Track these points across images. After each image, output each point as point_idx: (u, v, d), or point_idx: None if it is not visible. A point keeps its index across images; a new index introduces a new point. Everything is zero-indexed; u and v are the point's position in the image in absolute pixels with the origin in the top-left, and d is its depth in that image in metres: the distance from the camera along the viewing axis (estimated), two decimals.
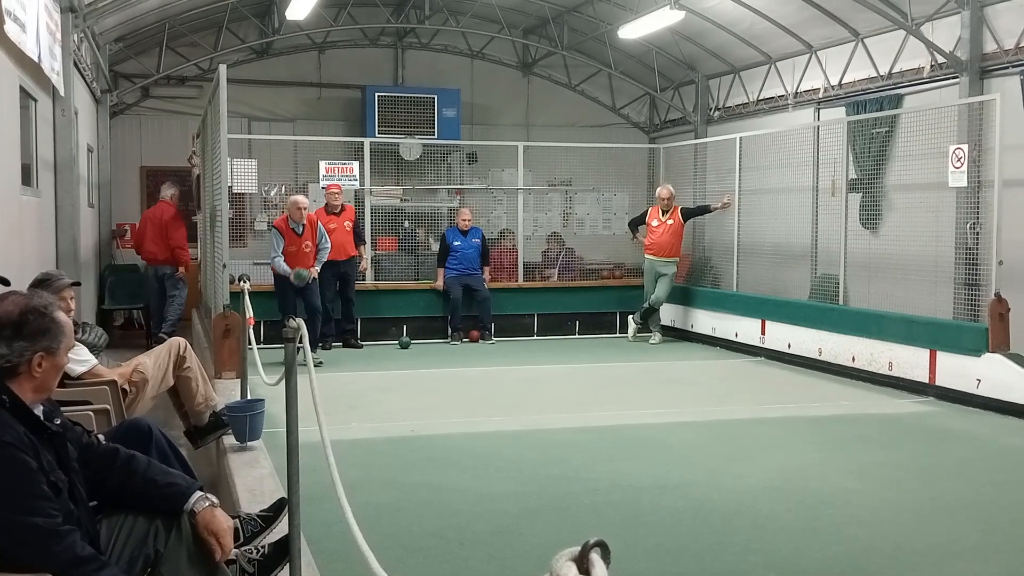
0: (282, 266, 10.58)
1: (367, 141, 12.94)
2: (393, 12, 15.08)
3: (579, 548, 1.78)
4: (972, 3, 10.24)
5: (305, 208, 10.70)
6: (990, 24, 10.23)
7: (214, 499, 3.21)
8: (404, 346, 12.03)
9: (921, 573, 4.62)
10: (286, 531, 3.73)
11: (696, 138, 14.70)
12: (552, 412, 8.21)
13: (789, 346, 10.87)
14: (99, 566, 2.82)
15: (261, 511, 4.19)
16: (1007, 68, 10.00)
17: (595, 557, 1.78)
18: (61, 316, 3.01)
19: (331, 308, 11.52)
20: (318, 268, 10.91)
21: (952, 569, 4.65)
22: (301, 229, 10.70)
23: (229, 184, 9.78)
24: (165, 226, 12.52)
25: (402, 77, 15.92)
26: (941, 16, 10.70)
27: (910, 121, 10.68)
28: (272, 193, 14.53)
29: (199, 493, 3.19)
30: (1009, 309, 8.44)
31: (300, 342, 3.63)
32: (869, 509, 5.57)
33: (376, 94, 14.67)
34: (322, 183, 12.45)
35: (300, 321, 3.74)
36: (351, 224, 11.80)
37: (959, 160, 8.95)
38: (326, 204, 11.84)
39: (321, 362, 10.09)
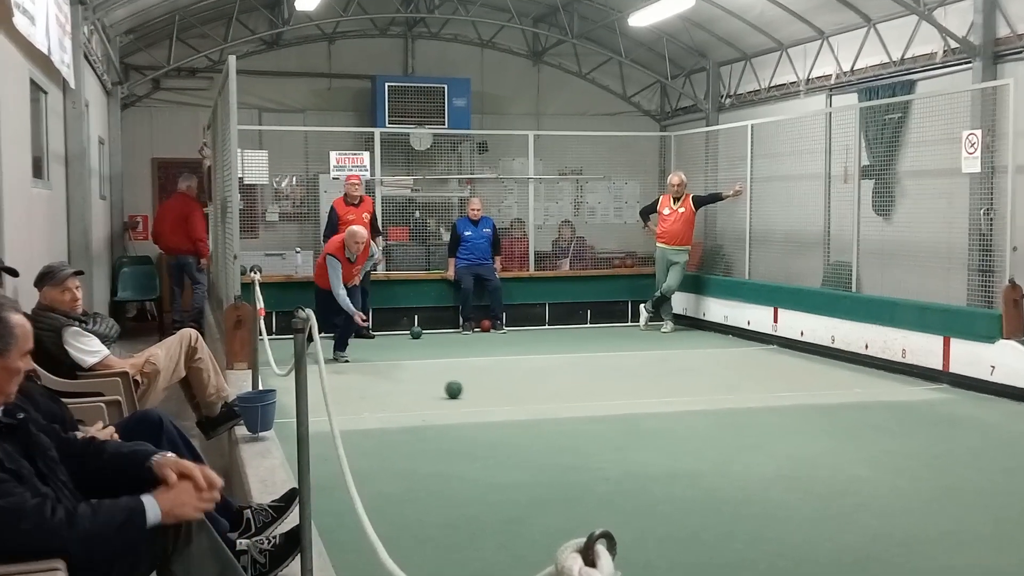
0: (347, 303, 10.07)
1: (377, 131, 12.93)
2: (403, 2, 15.04)
3: (584, 540, 1.77)
4: None
5: (362, 243, 10.21)
6: (1003, 8, 10.14)
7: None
8: (416, 336, 12.05)
9: (932, 562, 4.60)
10: (297, 521, 3.74)
11: (707, 125, 14.64)
12: (563, 401, 8.21)
13: (802, 334, 10.83)
14: (78, 519, 2.75)
15: (272, 502, 4.22)
16: (1021, 53, 9.91)
17: (600, 548, 1.77)
18: (13, 318, 2.93)
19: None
20: (360, 277, 10.71)
21: (964, 558, 4.63)
22: (354, 258, 10.31)
23: (240, 175, 9.79)
24: (186, 217, 12.80)
25: (412, 67, 15.90)
26: (954, 0, 10.61)
27: (923, 107, 10.61)
28: (283, 184, 14.56)
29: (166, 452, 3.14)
30: (1023, 295, 8.39)
31: (306, 333, 3.63)
32: (880, 498, 5.54)
33: (386, 84, 14.65)
34: (333, 174, 12.45)
35: (309, 312, 3.73)
36: (369, 216, 11.72)
37: (972, 146, 8.89)
38: (345, 194, 11.80)
39: (348, 360, 10.14)
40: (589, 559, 1.77)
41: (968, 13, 10.41)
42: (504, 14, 15.32)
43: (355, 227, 10.37)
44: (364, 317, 10.53)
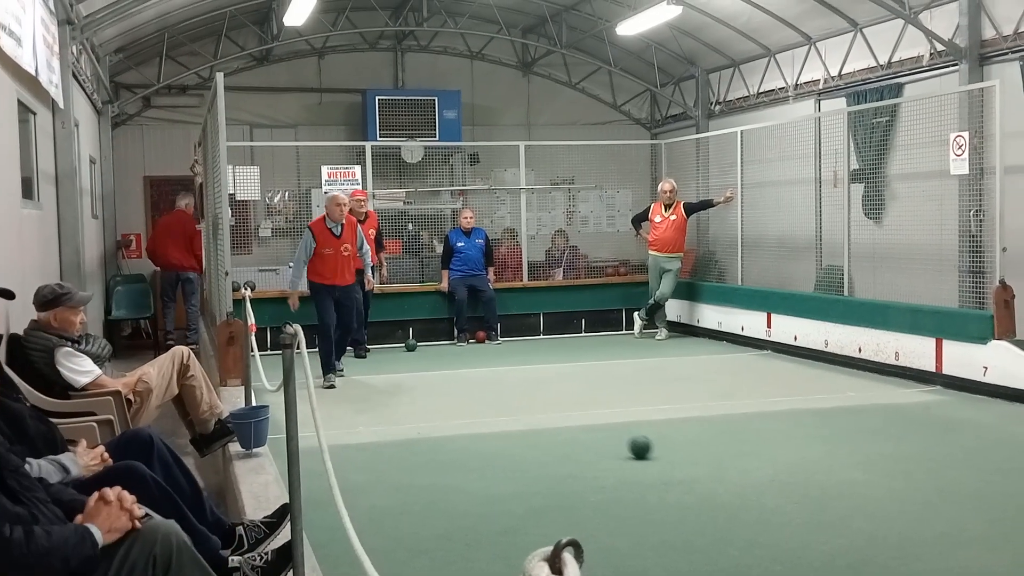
0: (294, 278, 9.69)
1: (368, 145, 12.95)
2: (391, 15, 15.09)
3: (551, 548, 1.78)
4: None
5: (345, 205, 9.60)
6: (988, 10, 10.20)
7: None
8: (410, 348, 12.05)
9: (928, 564, 4.60)
10: (289, 537, 3.73)
11: (697, 133, 14.68)
12: (558, 411, 8.21)
13: (795, 339, 10.85)
14: (35, 537, 2.82)
15: (264, 518, 4.21)
16: (1006, 54, 9.97)
17: (567, 557, 1.78)
18: None
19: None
20: (371, 276, 10.44)
21: (958, 560, 4.63)
22: (340, 230, 9.58)
23: (231, 192, 9.81)
24: (189, 234, 12.93)
25: (402, 80, 15.93)
26: (939, 4, 10.67)
27: (911, 110, 10.65)
28: (275, 199, 14.57)
29: None
30: (1014, 296, 8.43)
31: (298, 348, 3.63)
32: (875, 501, 5.56)
33: (376, 97, 14.68)
34: (325, 188, 12.45)
35: (297, 327, 3.73)
36: (375, 232, 11.61)
37: (960, 148, 8.92)
38: (351, 211, 11.60)
39: (343, 370, 9.96)
40: (556, 567, 1.78)
41: (954, 15, 10.47)
42: (493, 25, 15.37)
43: (335, 192, 10.02)
44: (297, 305, 9.67)
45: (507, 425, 7.71)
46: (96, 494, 3.06)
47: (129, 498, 3.08)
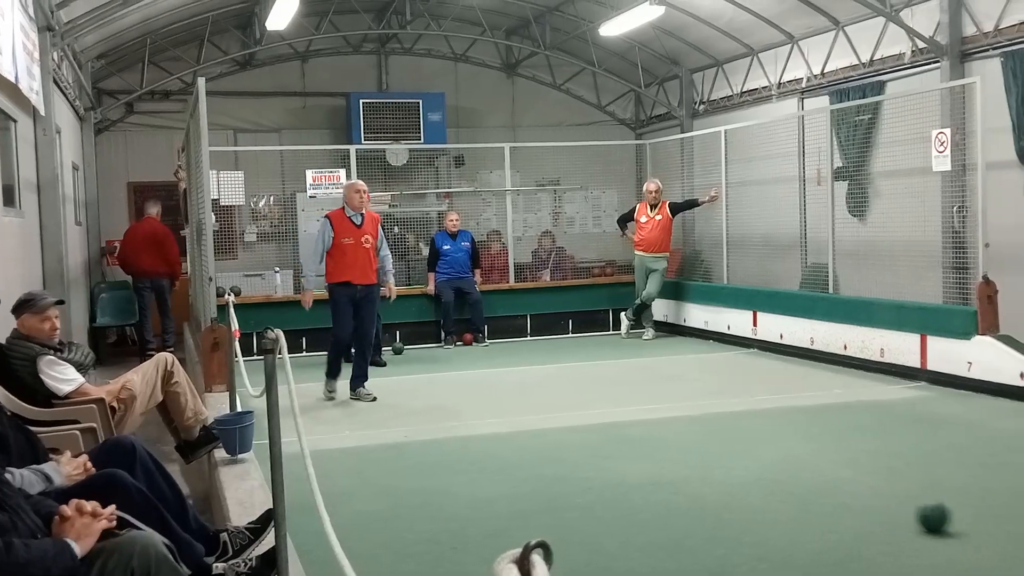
0: (307, 274, 9.02)
1: (353, 148, 12.92)
2: (375, 18, 15.09)
3: (520, 550, 1.78)
4: None
5: (365, 193, 8.87)
6: (969, 7, 10.25)
7: None
8: (398, 352, 12.02)
9: (914, 560, 4.61)
10: (273, 543, 3.72)
11: (682, 132, 14.71)
12: (546, 412, 8.19)
13: (781, 337, 10.87)
14: (15, 548, 2.84)
15: (249, 523, 4.20)
16: (987, 51, 10.01)
17: (536, 559, 1.78)
18: None
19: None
20: (392, 283, 9.35)
21: (944, 556, 4.64)
22: (360, 219, 8.82)
23: (215, 197, 9.77)
24: (162, 241, 12.85)
25: (386, 83, 15.92)
26: (920, 1, 10.71)
27: (893, 107, 10.70)
28: (260, 204, 14.54)
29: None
30: (997, 291, 8.46)
31: (279, 353, 3.62)
32: (862, 498, 5.57)
33: (361, 101, 14.67)
34: (310, 192, 12.44)
35: (278, 332, 3.72)
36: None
37: (942, 144, 8.96)
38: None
39: (375, 398, 8.82)
40: (525, 569, 1.77)
41: (935, 13, 10.52)
42: (477, 28, 15.38)
43: (354, 180, 9.34)
44: (310, 304, 9.06)
45: (495, 427, 7.69)
46: (69, 506, 3.06)
47: (88, 504, 3.09)
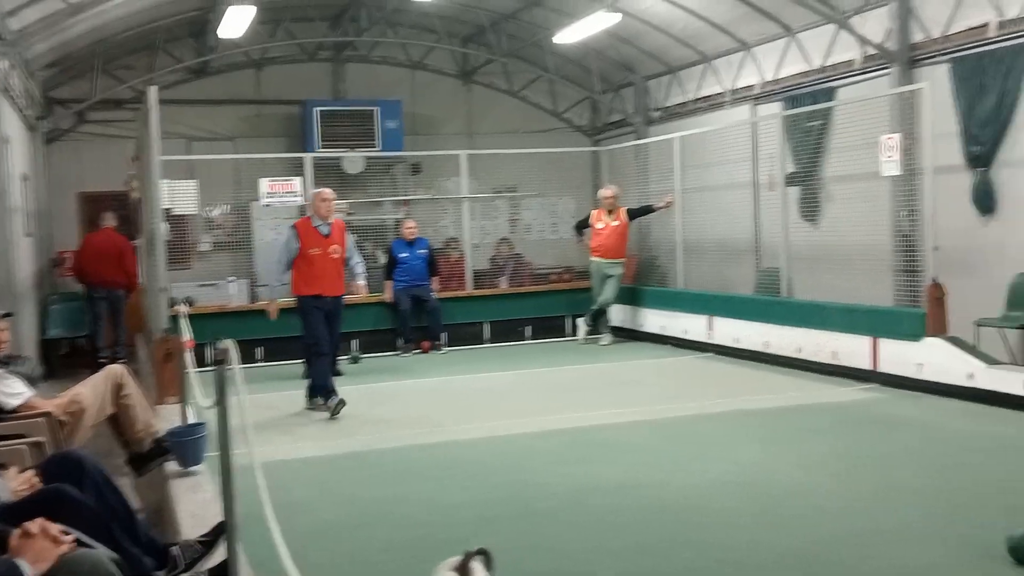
0: (272, 284, 8.77)
1: (307, 156, 12.87)
2: (330, 26, 15.02)
3: (461, 557, 1.79)
4: None
5: (333, 201, 8.75)
6: (918, 14, 10.39)
7: None
8: (355, 361, 11.95)
9: (869, 561, 4.66)
10: (226, 555, 3.68)
11: (638, 139, 14.79)
12: (506, 419, 8.20)
13: (737, 341, 10.97)
14: None
15: (201, 536, 4.16)
16: (936, 56, 10.17)
17: (476, 565, 1.79)
18: None
19: None
20: (363, 284, 9.21)
21: (897, 556, 4.70)
22: (328, 229, 8.72)
23: (167, 206, 9.67)
24: (121, 252, 12.72)
25: (342, 91, 15.86)
26: (870, 8, 10.86)
27: (844, 113, 10.84)
28: (215, 213, 14.41)
29: None
30: (946, 294, 8.60)
31: (228, 364, 3.59)
32: (818, 499, 5.66)
33: (316, 109, 14.59)
34: (264, 201, 12.35)
35: (229, 342, 3.69)
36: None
37: (891, 149, 9.10)
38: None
39: (327, 409, 8.48)
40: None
41: (884, 20, 10.66)
42: (433, 35, 15.38)
43: (321, 188, 9.11)
44: (276, 314, 8.94)
45: (455, 434, 7.68)
46: (34, 524, 3.01)
47: (54, 527, 3.03)
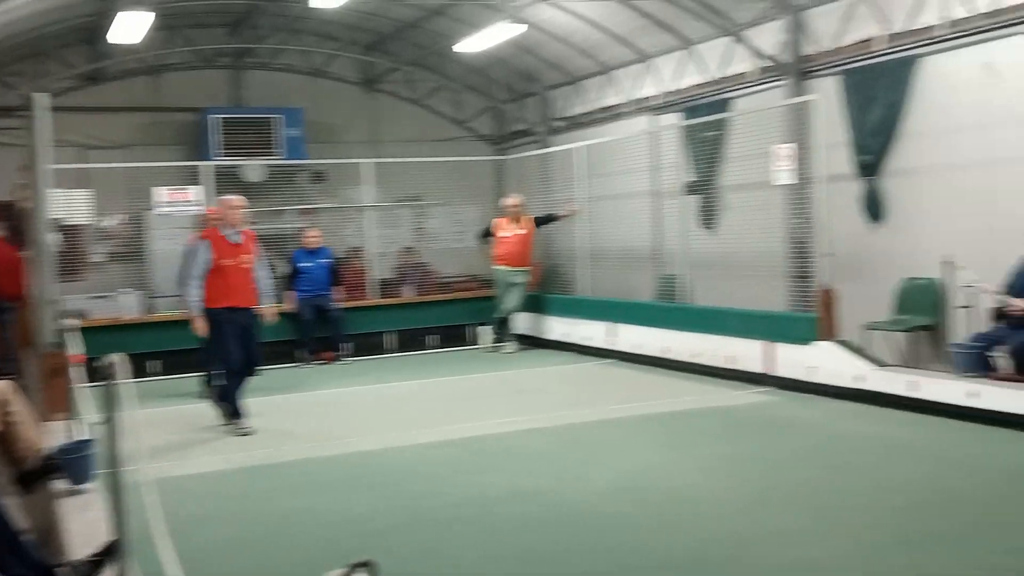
0: (192, 299, 8.20)
1: (204, 165, 12.63)
2: (230, 32, 14.79)
3: (345, 569, 1.79)
4: (790, 8, 10.70)
5: (243, 209, 8.47)
6: (808, 27, 10.69)
7: None
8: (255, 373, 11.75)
9: (761, 560, 4.79)
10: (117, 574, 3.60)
11: (541, 148, 14.90)
12: (408, 429, 8.17)
13: (638, 347, 11.13)
14: None
15: (90, 555, 4.05)
16: (826, 68, 10.47)
17: None
18: None
19: None
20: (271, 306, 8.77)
21: (786, 556, 4.83)
22: (238, 238, 8.37)
23: (57, 216, 9.39)
24: (15, 264, 12.26)
25: (243, 98, 15.61)
26: (764, 22, 11.14)
27: (739, 123, 11.10)
28: (108, 223, 14.03)
29: None
30: (837, 299, 8.88)
31: (116, 379, 3.52)
32: (711, 501, 5.78)
33: (215, 117, 14.33)
34: (159, 210, 12.09)
35: (118, 356, 3.61)
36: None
37: (784, 159, 9.36)
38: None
39: (247, 428, 8.24)
40: None
41: (777, 33, 10.95)
42: (335, 43, 15.25)
43: (227, 196, 8.75)
44: (203, 329, 8.33)
45: (355, 446, 7.63)
46: None
47: None
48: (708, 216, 11.71)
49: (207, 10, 14.07)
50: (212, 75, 15.46)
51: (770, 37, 11.07)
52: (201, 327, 8.30)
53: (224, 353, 8.27)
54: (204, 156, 13.82)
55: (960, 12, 8.83)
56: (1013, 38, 8.41)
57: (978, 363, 7.70)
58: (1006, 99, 8.45)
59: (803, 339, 8.94)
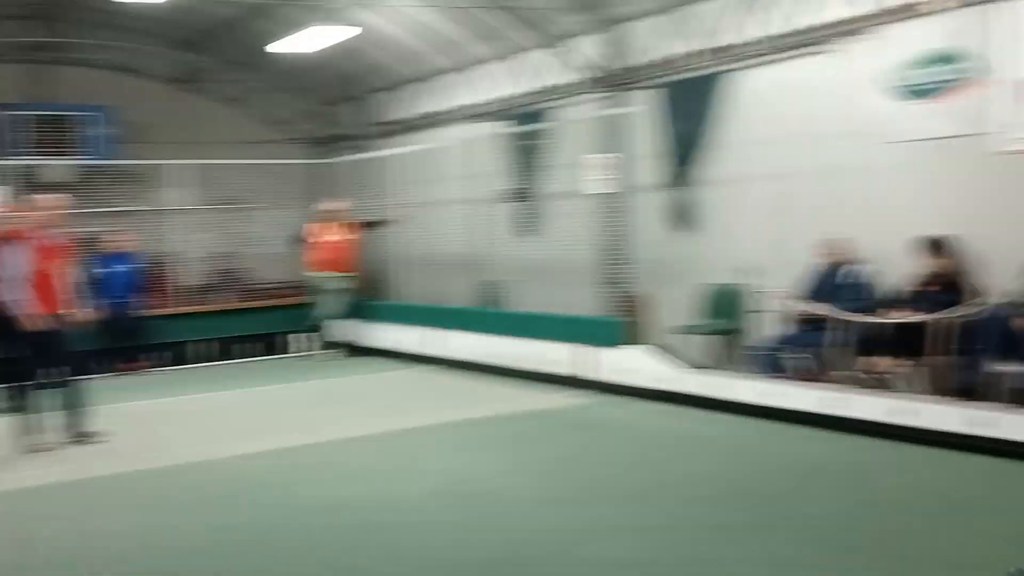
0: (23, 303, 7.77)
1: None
2: (35, 24, 13.93)
3: None
4: (611, 22, 10.94)
5: (57, 210, 8.21)
6: (628, 41, 10.95)
7: None
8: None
9: (567, 557, 4.89)
10: None
11: (362, 153, 14.75)
12: (221, 442, 7.87)
13: (459, 352, 11.19)
14: None
15: None
16: (643, 81, 10.73)
17: None
18: None
19: None
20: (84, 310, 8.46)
21: (590, 552, 4.95)
22: (51, 241, 8.09)
23: None
24: None
25: (45, 94, 14.75)
26: (586, 34, 11.33)
27: (558, 133, 11.29)
28: None
29: None
30: (644, 303, 9.16)
31: None
32: (524, 501, 5.89)
33: (11, 112, 13.49)
34: None
35: None
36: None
37: (597, 168, 9.58)
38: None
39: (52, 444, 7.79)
40: None
41: (599, 46, 11.16)
42: (149, 38, 14.63)
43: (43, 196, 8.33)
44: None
45: (157, 461, 7.26)
46: None
47: None
48: (530, 223, 11.85)
49: (5, 1, 13.25)
50: (8, 69, 14.53)
51: (592, 49, 11.28)
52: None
53: (33, 361, 7.88)
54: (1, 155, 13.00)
55: (773, 29, 9.15)
56: (803, 59, 8.86)
57: (771, 364, 8.11)
58: (798, 114, 8.88)
59: (611, 343, 9.19)
